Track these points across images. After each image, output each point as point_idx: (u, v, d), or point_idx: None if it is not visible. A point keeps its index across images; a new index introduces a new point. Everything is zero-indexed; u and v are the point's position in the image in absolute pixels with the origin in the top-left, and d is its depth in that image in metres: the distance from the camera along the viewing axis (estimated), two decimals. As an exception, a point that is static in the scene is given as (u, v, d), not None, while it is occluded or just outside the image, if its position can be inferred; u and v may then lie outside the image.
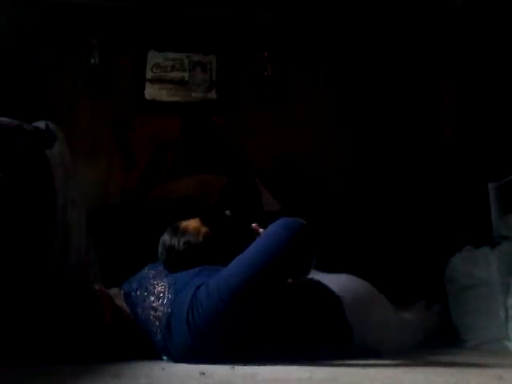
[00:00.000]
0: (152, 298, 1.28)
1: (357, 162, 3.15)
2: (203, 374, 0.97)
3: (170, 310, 1.22)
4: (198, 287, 1.18)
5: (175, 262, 1.38)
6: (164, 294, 1.27)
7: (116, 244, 2.25)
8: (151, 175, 3.05)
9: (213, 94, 3.23)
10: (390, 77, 3.23)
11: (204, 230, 1.43)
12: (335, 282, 1.53)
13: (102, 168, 3.00)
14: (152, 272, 1.41)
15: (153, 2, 3.22)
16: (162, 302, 1.25)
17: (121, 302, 1.33)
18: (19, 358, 1.10)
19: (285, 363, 1.13)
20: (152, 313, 1.26)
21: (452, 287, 2.14)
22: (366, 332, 1.42)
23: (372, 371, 1.06)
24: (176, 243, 1.39)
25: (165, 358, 1.23)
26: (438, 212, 2.85)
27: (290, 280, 1.24)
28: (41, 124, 1.65)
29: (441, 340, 1.93)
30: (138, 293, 1.34)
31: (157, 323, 1.24)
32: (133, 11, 3.21)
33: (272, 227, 1.25)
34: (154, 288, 1.31)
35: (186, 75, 3.24)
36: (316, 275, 1.60)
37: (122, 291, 1.38)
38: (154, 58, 3.22)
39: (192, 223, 1.45)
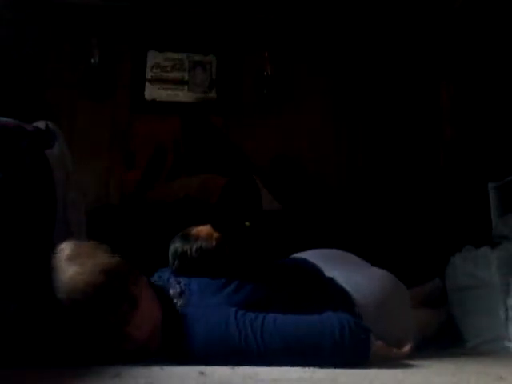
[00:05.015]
0: (171, 292, 1.29)
1: (357, 162, 3.16)
2: (203, 373, 0.97)
3: (181, 313, 1.23)
4: (236, 311, 1.18)
5: (189, 269, 1.36)
6: (180, 294, 1.27)
7: (116, 244, 2.25)
8: (151, 175, 3.06)
9: (213, 94, 3.23)
10: (390, 78, 3.24)
11: (216, 235, 1.41)
12: (361, 280, 1.48)
13: (101, 168, 3.01)
14: (165, 274, 1.41)
15: (153, 2, 3.22)
16: (175, 303, 1.26)
17: None
18: (24, 359, 1.09)
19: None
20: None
21: (452, 287, 2.14)
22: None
23: (372, 371, 1.06)
24: (189, 250, 1.38)
25: None
26: (438, 212, 2.85)
27: None
28: (41, 124, 1.65)
29: (441, 340, 1.92)
30: (158, 279, 1.36)
31: None
32: (133, 11, 3.21)
33: (332, 323, 1.15)
34: (176, 283, 1.31)
35: (185, 75, 3.24)
36: (342, 269, 1.52)
37: None
38: (154, 57, 3.22)
39: (203, 229, 1.44)
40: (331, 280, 1.45)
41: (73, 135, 2.83)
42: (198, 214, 2.34)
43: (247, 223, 1.52)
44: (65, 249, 1.16)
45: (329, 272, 1.49)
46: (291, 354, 1.13)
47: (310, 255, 1.61)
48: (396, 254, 2.54)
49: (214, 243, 1.39)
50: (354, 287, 1.43)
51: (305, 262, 1.55)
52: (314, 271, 1.49)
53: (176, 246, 1.41)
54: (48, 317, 1.11)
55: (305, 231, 2.48)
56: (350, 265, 1.60)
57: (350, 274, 1.50)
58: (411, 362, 1.21)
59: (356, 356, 1.13)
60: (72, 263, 1.12)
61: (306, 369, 1.06)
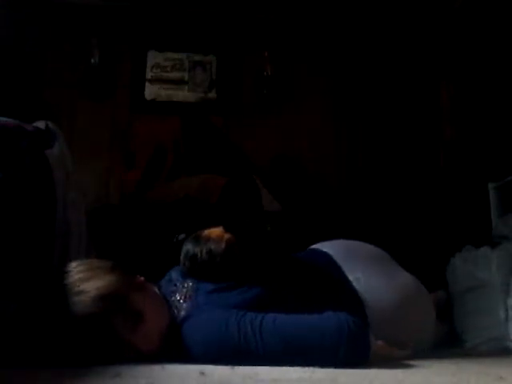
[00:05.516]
0: (178, 297, 1.29)
1: (357, 162, 3.16)
2: (203, 373, 0.96)
3: (185, 314, 1.24)
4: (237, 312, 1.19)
5: (199, 272, 1.35)
6: (186, 297, 1.28)
7: (116, 244, 2.25)
8: (151, 175, 3.06)
9: (213, 94, 3.23)
10: (390, 77, 3.24)
11: (227, 236, 1.40)
12: (381, 283, 1.45)
13: (101, 168, 3.01)
14: (176, 275, 1.40)
15: (153, 2, 3.22)
16: (181, 306, 1.27)
17: None
18: (24, 359, 1.09)
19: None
20: (174, 311, 1.27)
21: (452, 287, 2.14)
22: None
23: (372, 371, 1.05)
24: (199, 252, 1.36)
25: None
26: (438, 212, 2.85)
27: None
28: (41, 124, 1.65)
29: (441, 340, 1.92)
30: (167, 283, 1.36)
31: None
32: (133, 11, 3.21)
33: (331, 323, 1.15)
34: (183, 287, 1.32)
35: (185, 75, 3.24)
36: (366, 270, 1.49)
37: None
38: (154, 57, 3.22)
39: (214, 231, 1.43)
40: (343, 281, 1.44)
41: (73, 135, 2.83)
42: (198, 214, 2.35)
43: (268, 227, 1.50)
44: (67, 275, 1.18)
45: (351, 271, 1.46)
46: (290, 353, 1.13)
47: (336, 248, 1.59)
48: (396, 254, 2.54)
49: (223, 246, 1.38)
50: (370, 290, 1.42)
51: (324, 257, 1.53)
52: (330, 270, 1.47)
53: (187, 247, 1.39)
54: (50, 324, 1.12)
55: (305, 231, 2.48)
56: (375, 265, 1.56)
57: (373, 275, 1.48)
58: (411, 362, 1.21)
59: (355, 356, 1.13)
60: (70, 291, 1.14)
61: (306, 369, 1.06)
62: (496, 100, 2.76)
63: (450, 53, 3.15)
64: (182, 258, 1.40)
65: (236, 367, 1.07)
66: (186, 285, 1.32)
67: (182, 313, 1.25)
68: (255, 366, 1.09)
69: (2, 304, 1.17)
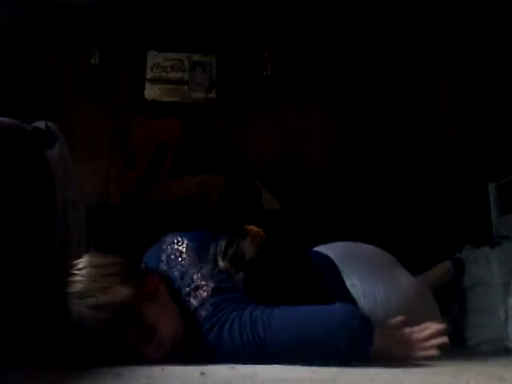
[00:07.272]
0: (193, 301, 1.26)
1: (357, 162, 3.16)
2: (203, 373, 0.96)
3: (204, 315, 1.22)
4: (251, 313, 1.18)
5: (233, 264, 1.33)
6: (204, 301, 1.24)
7: (116, 244, 2.25)
8: (151, 175, 3.06)
9: (213, 94, 3.23)
10: (391, 76, 3.24)
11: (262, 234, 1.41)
12: (381, 291, 1.44)
13: (101, 168, 3.01)
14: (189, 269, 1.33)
15: (153, 2, 3.23)
16: (200, 305, 1.24)
17: None
18: (22, 359, 1.09)
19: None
20: (191, 311, 1.24)
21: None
22: None
23: (372, 371, 1.05)
24: (234, 245, 1.36)
25: None
26: (438, 212, 2.85)
27: None
28: (41, 124, 1.65)
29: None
30: (181, 283, 1.30)
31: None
32: (133, 11, 3.21)
33: (336, 315, 1.14)
34: (197, 289, 1.27)
35: (185, 75, 3.24)
36: (365, 275, 1.48)
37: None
38: (154, 57, 3.22)
39: (253, 228, 1.43)
40: (340, 286, 1.44)
41: (73, 135, 2.83)
42: (198, 214, 2.35)
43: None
44: (78, 279, 1.16)
45: (348, 276, 1.46)
46: (294, 338, 1.13)
47: (337, 251, 1.58)
48: (396, 254, 2.54)
49: (257, 243, 1.38)
50: (366, 295, 1.42)
51: (325, 260, 1.52)
52: (329, 274, 1.47)
53: (222, 241, 1.39)
54: (58, 333, 1.12)
55: (306, 231, 2.48)
56: (374, 268, 1.54)
57: (371, 280, 1.47)
58: (411, 362, 1.21)
59: (356, 349, 1.12)
60: (82, 301, 1.13)
61: (306, 368, 1.06)
62: (496, 100, 2.76)
63: (450, 51, 3.15)
64: (216, 250, 1.37)
65: (236, 367, 1.07)
66: (205, 287, 1.28)
67: (202, 313, 1.21)
68: (255, 364, 1.09)
69: (2, 304, 1.17)
